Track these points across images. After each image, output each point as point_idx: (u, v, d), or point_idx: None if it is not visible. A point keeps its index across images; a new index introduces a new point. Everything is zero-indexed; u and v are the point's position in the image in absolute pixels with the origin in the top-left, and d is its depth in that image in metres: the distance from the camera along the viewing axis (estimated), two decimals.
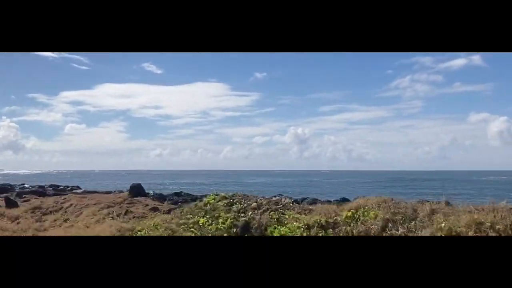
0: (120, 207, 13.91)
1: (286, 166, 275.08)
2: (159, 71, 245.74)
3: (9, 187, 28.58)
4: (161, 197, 17.50)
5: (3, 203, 17.19)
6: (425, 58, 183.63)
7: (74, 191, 23.97)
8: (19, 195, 20.60)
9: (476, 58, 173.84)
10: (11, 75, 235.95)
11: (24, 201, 18.27)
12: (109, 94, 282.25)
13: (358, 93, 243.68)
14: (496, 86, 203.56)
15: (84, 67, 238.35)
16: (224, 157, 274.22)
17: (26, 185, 30.22)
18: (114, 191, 23.78)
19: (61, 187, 28.68)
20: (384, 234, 8.03)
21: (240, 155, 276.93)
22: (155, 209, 13.84)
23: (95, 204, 14.62)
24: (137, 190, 16.96)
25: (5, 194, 22.41)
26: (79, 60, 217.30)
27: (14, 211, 15.45)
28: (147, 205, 14.63)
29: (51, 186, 29.19)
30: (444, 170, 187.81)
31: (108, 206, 14.02)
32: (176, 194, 18.96)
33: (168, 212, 12.86)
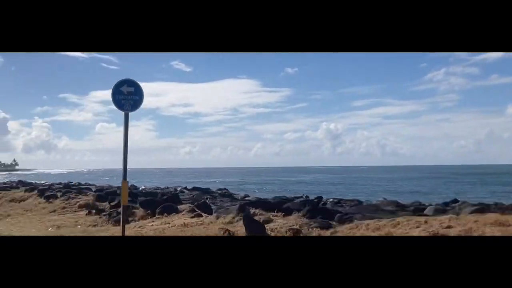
0: None
1: (318, 162, 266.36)
2: (188, 69, 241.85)
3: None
4: None
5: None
6: None
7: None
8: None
9: None
10: (42, 76, 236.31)
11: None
12: None
13: (391, 87, 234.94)
14: None
15: (113, 67, 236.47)
16: (255, 154, 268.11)
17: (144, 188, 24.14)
18: None
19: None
20: None
21: (271, 152, 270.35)
22: None
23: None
24: None
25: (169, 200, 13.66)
26: (109, 59, 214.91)
27: None
28: None
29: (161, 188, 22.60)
30: (485, 164, 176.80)
31: None
32: None
33: None
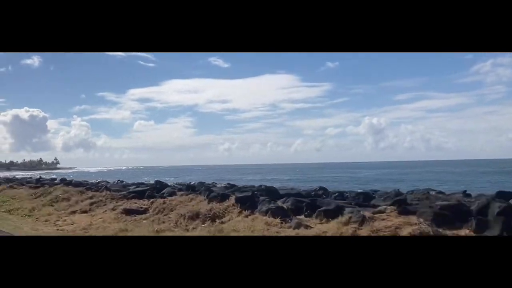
0: None
1: (361, 158, 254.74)
2: (225, 65, 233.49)
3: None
4: None
5: None
6: None
7: None
8: None
9: None
10: (80, 75, 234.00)
11: None
12: (176, 90, 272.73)
13: (435, 80, 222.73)
14: None
15: (151, 64, 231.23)
16: (295, 150, 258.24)
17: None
18: None
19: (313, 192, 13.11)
20: None
21: (312, 148, 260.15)
22: None
23: None
24: None
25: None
26: (146, 57, 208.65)
27: None
28: None
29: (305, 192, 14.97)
30: None
31: None
32: None
33: None
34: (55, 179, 31.35)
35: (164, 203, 11.72)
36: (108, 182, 23.36)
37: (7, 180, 30.73)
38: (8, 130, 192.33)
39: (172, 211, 11.11)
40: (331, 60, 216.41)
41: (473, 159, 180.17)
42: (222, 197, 10.60)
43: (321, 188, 15.05)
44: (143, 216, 11.50)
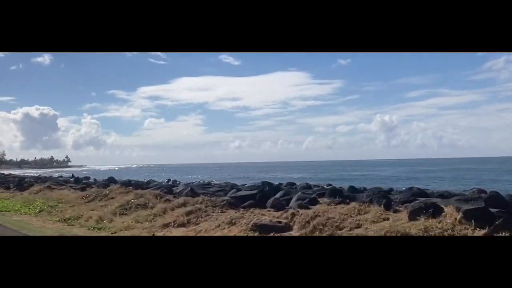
0: None
1: (372, 155, 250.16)
2: (236, 63, 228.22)
3: None
4: None
5: None
6: None
7: None
8: None
9: None
10: (91, 73, 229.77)
11: None
12: (186, 88, 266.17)
13: (447, 77, 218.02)
14: None
15: (161, 62, 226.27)
16: (306, 148, 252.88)
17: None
18: None
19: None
20: None
21: (323, 145, 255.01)
22: None
23: None
24: None
25: None
26: (157, 55, 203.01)
27: None
28: None
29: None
30: None
31: None
32: None
33: None
34: (88, 177, 27.64)
35: (316, 215, 7.84)
36: (155, 181, 19.69)
37: (36, 178, 26.92)
38: (19, 128, 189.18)
39: (341, 229, 7.25)
40: (343, 58, 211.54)
41: (486, 156, 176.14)
42: (435, 209, 6.70)
43: (479, 190, 11.15)
44: (289, 235, 7.66)
